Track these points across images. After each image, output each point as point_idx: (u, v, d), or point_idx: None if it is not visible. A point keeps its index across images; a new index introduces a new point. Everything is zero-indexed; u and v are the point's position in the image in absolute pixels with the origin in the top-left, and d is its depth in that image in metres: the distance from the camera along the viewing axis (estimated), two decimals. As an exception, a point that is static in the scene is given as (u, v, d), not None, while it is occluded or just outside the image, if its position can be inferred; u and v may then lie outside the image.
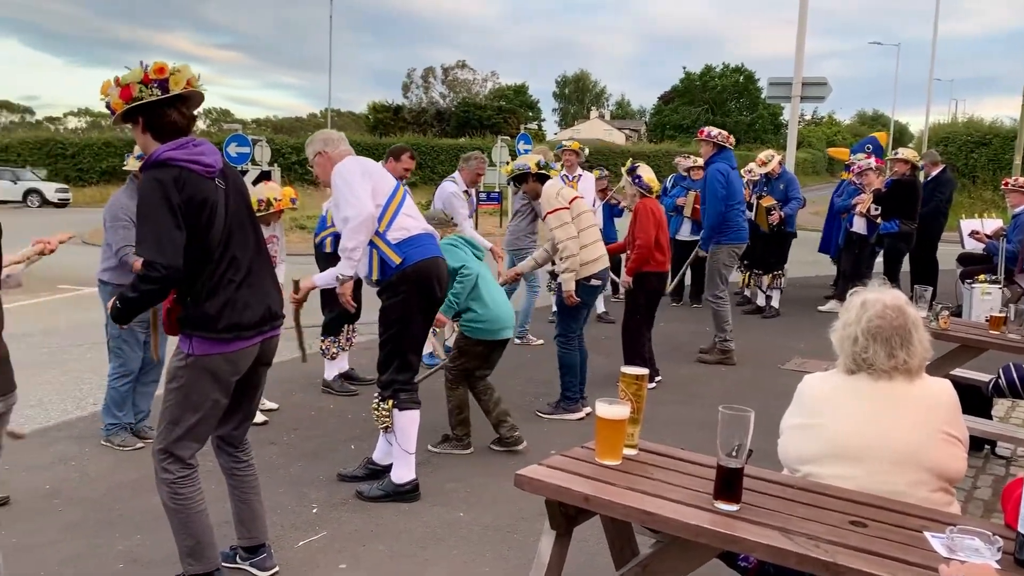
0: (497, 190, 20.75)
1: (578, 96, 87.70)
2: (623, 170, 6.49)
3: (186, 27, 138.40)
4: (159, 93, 2.94)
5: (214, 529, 3.23)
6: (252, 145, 19.27)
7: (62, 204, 30.04)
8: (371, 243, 4.09)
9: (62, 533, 3.81)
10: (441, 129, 53.23)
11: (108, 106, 3.00)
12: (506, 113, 56.16)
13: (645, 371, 2.55)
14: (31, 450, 4.78)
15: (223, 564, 3.33)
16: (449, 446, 4.99)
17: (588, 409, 5.78)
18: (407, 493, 4.21)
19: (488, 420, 5.06)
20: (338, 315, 6.09)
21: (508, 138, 24.52)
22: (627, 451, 2.48)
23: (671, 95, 73.83)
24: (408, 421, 4.21)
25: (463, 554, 3.68)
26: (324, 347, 6.31)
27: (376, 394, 4.35)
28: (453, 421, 4.98)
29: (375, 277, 4.14)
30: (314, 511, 4.11)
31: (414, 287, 4.10)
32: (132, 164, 4.80)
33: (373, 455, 4.55)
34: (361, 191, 4.04)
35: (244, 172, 18.42)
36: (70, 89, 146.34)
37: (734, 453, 2.12)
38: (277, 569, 3.45)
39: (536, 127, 60.69)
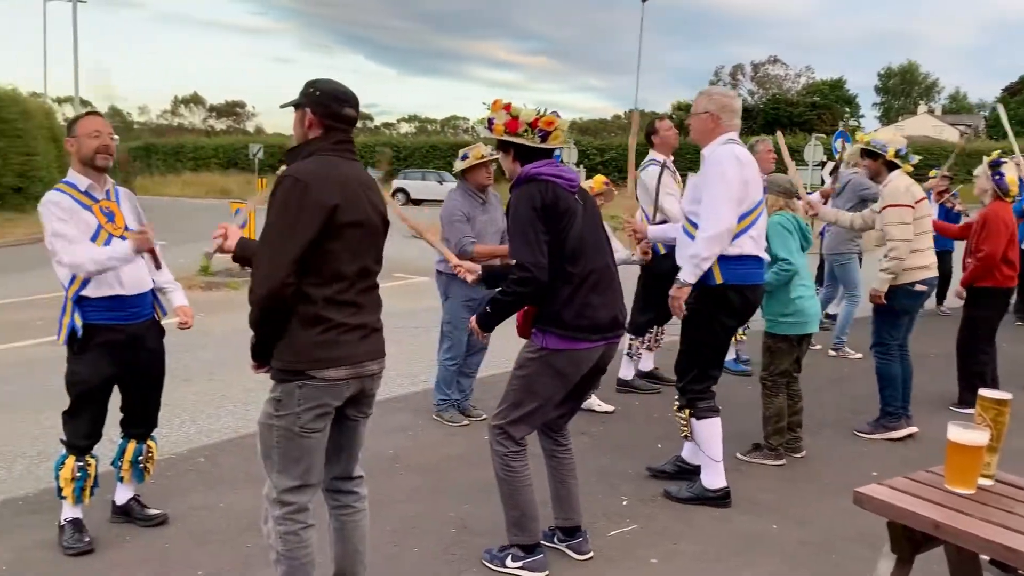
0: (809, 190, 19.70)
1: (904, 90, 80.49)
2: (985, 160, 5.85)
3: (501, 35, 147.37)
4: (538, 141, 3.33)
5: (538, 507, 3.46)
6: (561, 147, 20.12)
7: None
8: None
9: (404, 495, 4.28)
10: (748, 127, 51.58)
11: (489, 123, 3.39)
12: (820, 109, 53.08)
13: (1008, 396, 2.31)
14: (375, 417, 5.40)
15: (542, 542, 3.54)
16: (760, 455, 4.85)
17: (912, 428, 5.33)
18: (718, 499, 4.17)
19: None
20: (652, 318, 6.21)
21: (823, 136, 23.15)
22: (982, 481, 2.27)
23: (1018, 86, 65.18)
24: (708, 430, 4.15)
25: (776, 567, 3.58)
26: (631, 346, 6.40)
27: (676, 398, 4.36)
28: (769, 430, 4.84)
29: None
30: (624, 503, 4.23)
31: (729, 307, 4.04)
32: (458, 166, 5.35)
33: (682, 453, 4.57)
34: (729, 201, 3.94)
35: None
36: (402, 97, 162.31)
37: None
38: (592, 555, 3.60)
39: (855, 123, 56.73)
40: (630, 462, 4.81)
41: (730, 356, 6.63)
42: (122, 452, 3.83)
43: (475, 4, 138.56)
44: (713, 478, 4.19)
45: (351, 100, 2.82)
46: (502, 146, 3.42)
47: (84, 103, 34.30)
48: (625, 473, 4.64)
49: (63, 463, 3.61)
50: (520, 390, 3.37)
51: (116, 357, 3.60)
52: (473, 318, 3.49)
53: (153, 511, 3.91)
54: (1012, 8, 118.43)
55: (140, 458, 3.84)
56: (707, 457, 4.18)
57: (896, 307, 5.21)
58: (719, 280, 3.99)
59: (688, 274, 4.00)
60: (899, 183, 5.17)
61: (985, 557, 2.23)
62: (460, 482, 4.46)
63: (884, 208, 5.19)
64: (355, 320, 2.77)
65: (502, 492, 3.45)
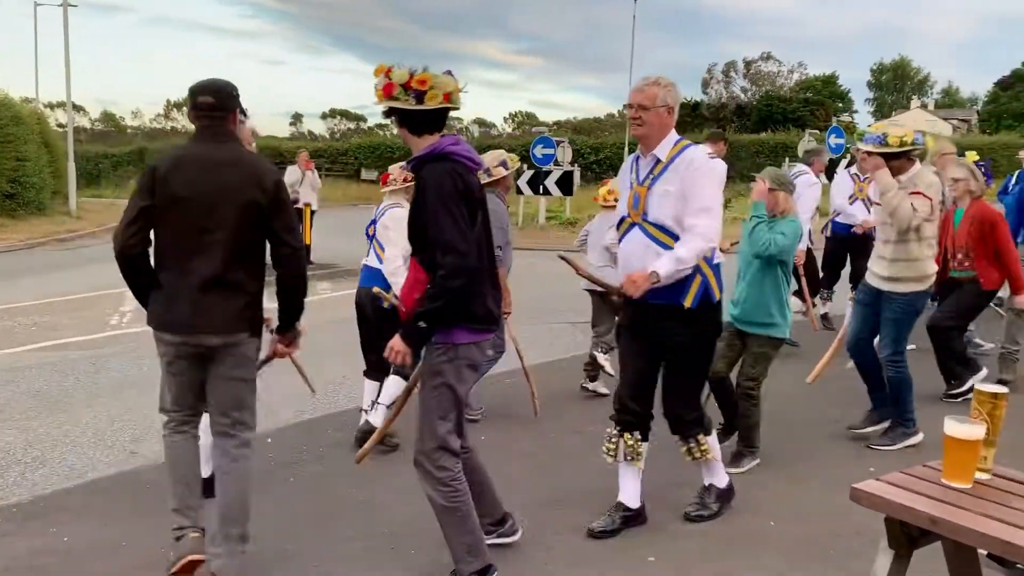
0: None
1: (896, 85, 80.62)
2: (965, 160, 5.87)
3: (496, 36, 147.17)
4: (413, 103, 3.01)
5: None
6: (556, 146, 20.03)
7: None
8: (698, 267, 3.53)
9: (396, 498, 4.23)
10: (741, 124, 51.55)
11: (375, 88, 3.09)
12: (813, 105, 53.13)
13: (1003, 389, 2.30)
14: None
15: None
16: (748, 461, 4.68)
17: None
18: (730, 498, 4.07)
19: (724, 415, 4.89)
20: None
21: (817, 132, 23.15)
22: (979, 475, 2.26)
23: (1010, 80, 65.28)
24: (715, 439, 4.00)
25: (777, 564, 3.57)
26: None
27: (689, 439, 3.91)
28: (755, 436, 4.72)
29: (688, 304, 3.56)
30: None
31: (719, 321, 3.81)
32: (499, 172, 5.17)
33: (622, 497, 3.93)
34: (720, 207, 3.62)
35: (548, 172, 19.26)
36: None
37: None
38: (521, 531, 3.61)
39: (848, 119, 56.83)
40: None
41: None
42: None
43: (467, 4, 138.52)
44: (725, 477, 4.07)
45: (198, 89, 3.24)
46: (389, 114, 3.10)
47: (76, 108, 34.19)
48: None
49: None
50: (443, 400, 3.10)
51: None
52: (395, 340, 3.03)
53: None
54: (1004, 1, 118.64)
55: None
56: (720, 462, 4.04)
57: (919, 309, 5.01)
58: (719, 295, 3.70)
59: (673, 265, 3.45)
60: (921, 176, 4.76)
61: (983, 551, 2.22)
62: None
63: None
64: (181, 285, 3.11)
65: (451, 523, 3.14)
